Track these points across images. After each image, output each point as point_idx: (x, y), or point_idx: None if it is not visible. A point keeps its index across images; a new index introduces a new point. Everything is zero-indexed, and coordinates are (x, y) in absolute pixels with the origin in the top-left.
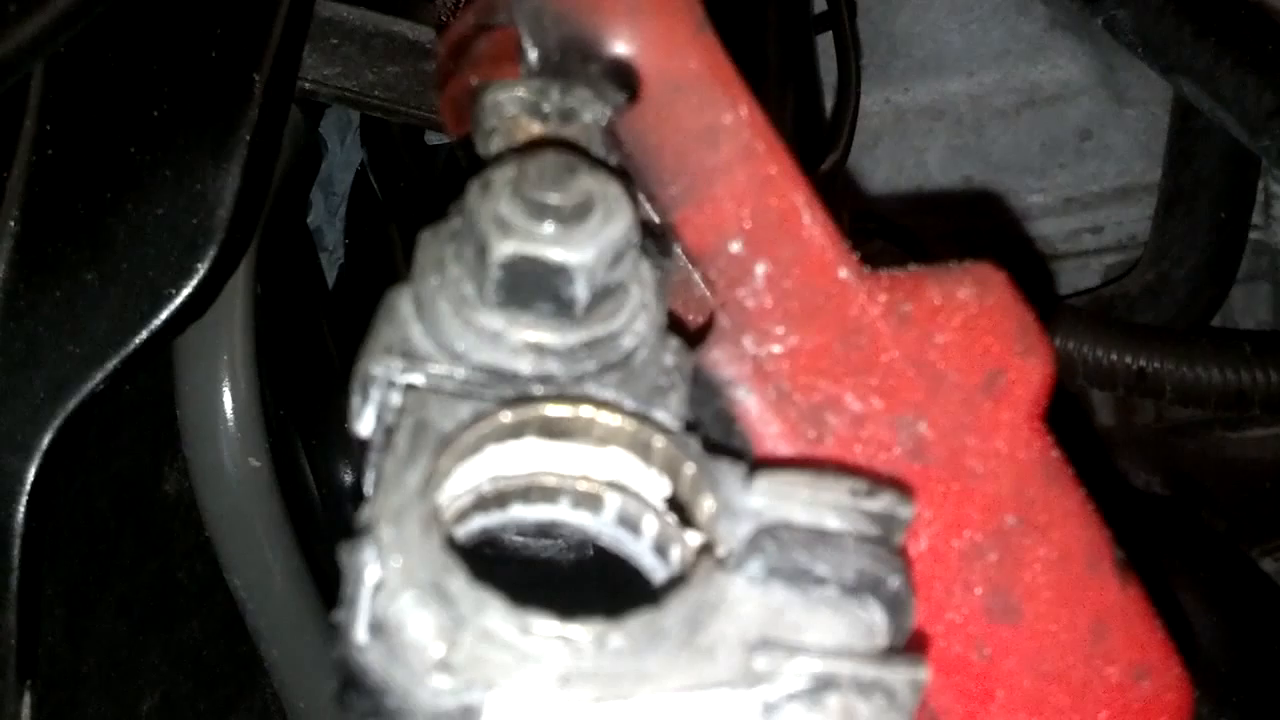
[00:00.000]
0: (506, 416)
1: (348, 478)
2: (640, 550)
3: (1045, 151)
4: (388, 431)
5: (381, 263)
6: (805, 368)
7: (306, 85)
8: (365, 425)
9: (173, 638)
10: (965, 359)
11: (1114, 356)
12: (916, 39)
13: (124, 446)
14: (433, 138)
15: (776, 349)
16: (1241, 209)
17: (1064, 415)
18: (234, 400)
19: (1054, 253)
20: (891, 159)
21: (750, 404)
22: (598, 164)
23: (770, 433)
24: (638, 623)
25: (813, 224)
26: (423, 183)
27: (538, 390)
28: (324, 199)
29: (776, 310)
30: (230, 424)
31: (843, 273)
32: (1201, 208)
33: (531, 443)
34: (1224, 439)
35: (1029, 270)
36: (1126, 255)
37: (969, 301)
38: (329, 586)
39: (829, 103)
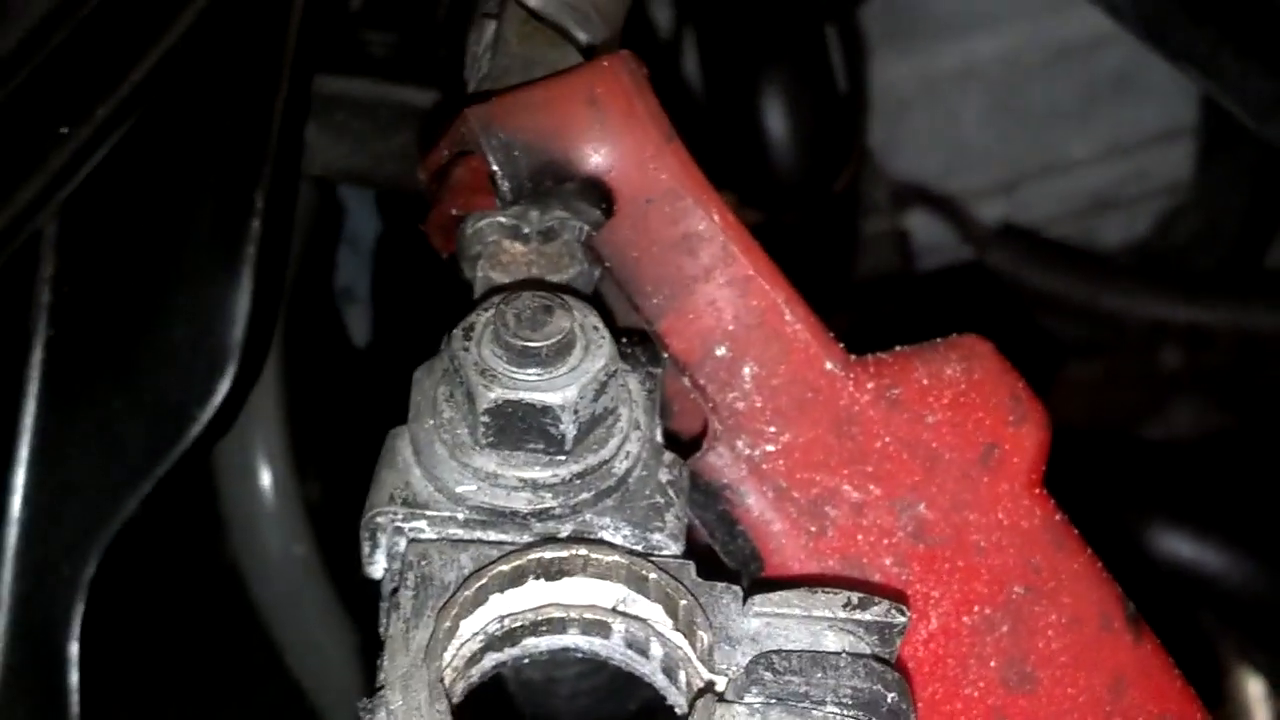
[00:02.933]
0: (505, 567)
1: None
2: (650, 671)
3: (1083, 101)
4: (394, 589)
5: (414, 317)
6: (801, 463)
7: (316, 171)
8: (377, 568)
9: (245, 710)
10: (958, 436)
11: (1167, 314)
12: (939, 2)
13: (169, 546)
14: None
15: (771, 448)
16: None
17: None
18: (273, 490)
19: (1102, 203)
20: (926, 125)
21: (751, 504)
22: (574, 293)
23: (773, 531)
24: None
25: (795, 320)
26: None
27: (536, 525)
28: (352, 254)
29: (767, 409)
30: (271, 513)
31: (829, 364)
32: (1243, 147)
33: (534, 584)
34: None
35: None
36: (1174, 200)
37: (957, 378)
38: None
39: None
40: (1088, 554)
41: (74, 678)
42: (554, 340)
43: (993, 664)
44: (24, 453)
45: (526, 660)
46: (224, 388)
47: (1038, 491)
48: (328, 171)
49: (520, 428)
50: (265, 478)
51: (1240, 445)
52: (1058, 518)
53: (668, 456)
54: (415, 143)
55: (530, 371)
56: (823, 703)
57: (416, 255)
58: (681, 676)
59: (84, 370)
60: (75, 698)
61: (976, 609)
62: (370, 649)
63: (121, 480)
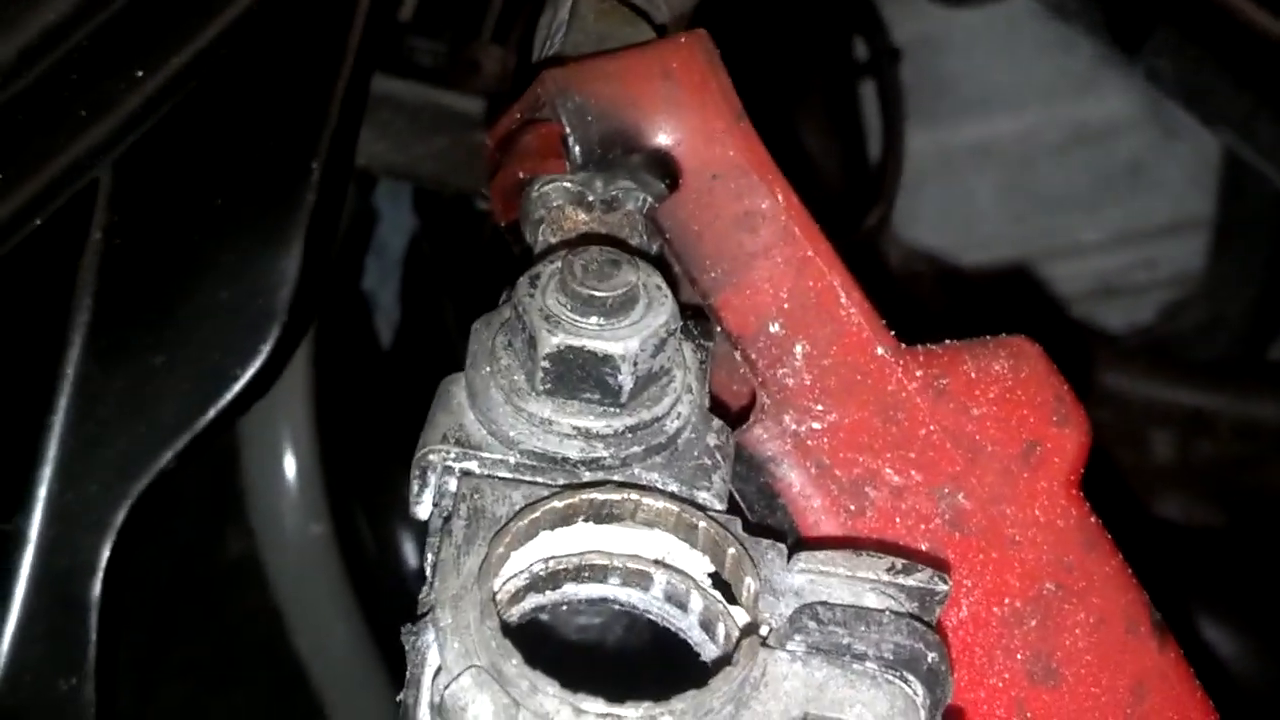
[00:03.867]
0: (557, 503)
1: (406, 542)
2: (688, 625)
3: (1096, 187)
4: (445, 519)
5: (436, 326)
6: (845, 443)
7: (360, 162)
8: (423, 509)
9: (236, 699)
10: (1002, 430)
11: (1169, 396)
12: (962, 79)
13: (188, 513)
14: (482, 203)
15: (817, 425)
16: None
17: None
18: (296, 468)
19: (1108, 289)
20: (940, 198)
21: (792, 479)
22: (639, 253)
23: (812, 507)
24: (685, 702)
25: (849, 303)
26: (473, 248)
27: (586, 474)
28: (378, 263)
29: (816, 388)
30: (292, 491)
31: (880, 350)
32: (1256, 241)
33: (582, 527)
34: None
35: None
36: (1181, 291)
37: (1004, 374)
38: (391, 647)
39: (872, 148)
40: (1119, 559)
41: (94, 622)
42: (619, 292)
43: (1019, 657)
44: (64, 400)
45: (565, 607)
46: (266, 350)
47: (1075, 493)
48: (371, 161)
49: (579, 376)
50: (290, 455)
51: (1227, 540)
52: (1092, 520)
53: (716, 423)
54: (454, 146)
55: (593, 320)
56: (864, 657)
57: (440, 267)
58: (720, 630)
59: (129, 322)
60: (93, 643)
61: (1007, 601)
62: (378, 636)
63: (158, 432)
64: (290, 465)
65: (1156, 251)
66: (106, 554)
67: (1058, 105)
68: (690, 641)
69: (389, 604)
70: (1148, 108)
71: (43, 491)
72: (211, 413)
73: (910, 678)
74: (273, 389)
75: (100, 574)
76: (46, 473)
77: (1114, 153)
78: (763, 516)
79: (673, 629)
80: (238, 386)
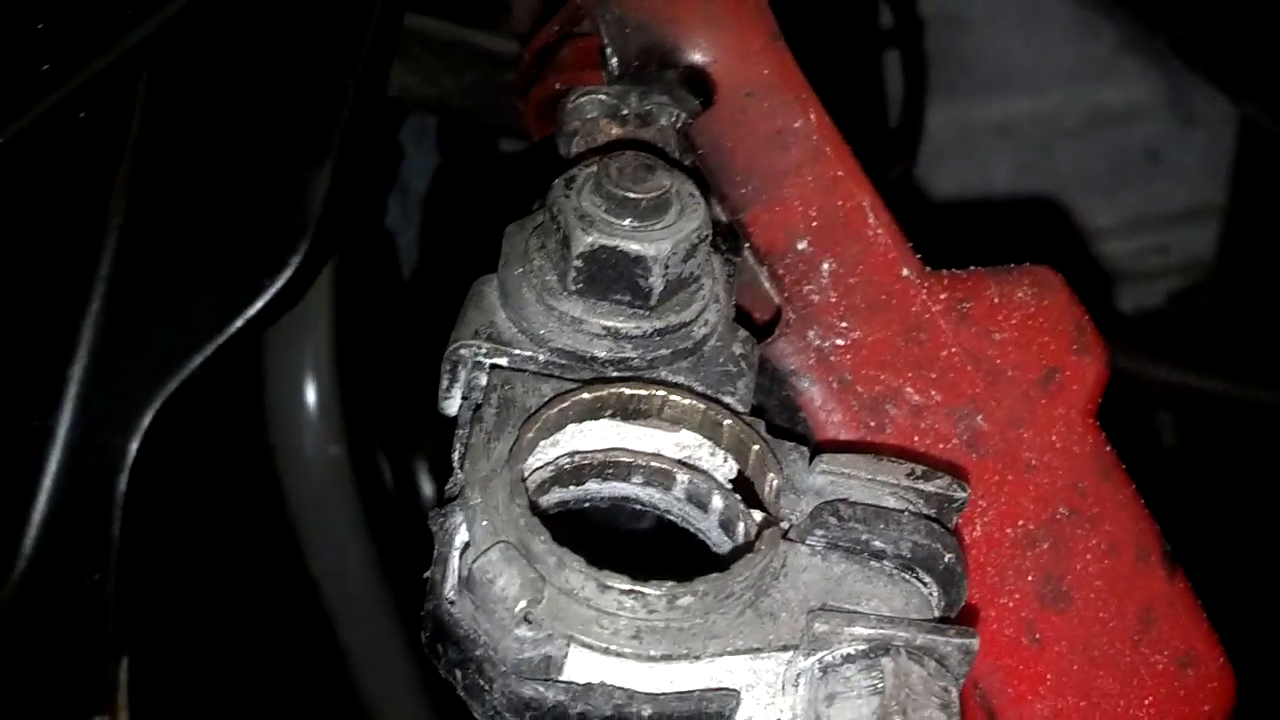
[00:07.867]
0: (586, 395)
1: (422, 470)
2: (707, 526)
3: (1112, 171)
4: (475, 409)
5: (455, 264)
6: (868, 360)
7: (391, 93)
8: (452, 404)
9: (248, 616)
10: (1023, 356)
11: (1176, 379)
12: (984, 57)
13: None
14: (507, 145)
15: (840, 341)
16: None
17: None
18: (316, 391)
19: (1119, 273)
20: (957, 176)
21: (814, 393)
22: (673, 163)
23: (833, 421)
24: (707, 584)
25: (877, 224)
26: (497, 186)
27: (613, 374)
28: (400, 202)
29: (841, 305)
30: (312, 413)
31: (905, 271)
32: (1268, 230)
33: (608, 422)
34: None
35: (1093, 290)
36: (1192, 278)
37: (1027, 301)
38: (402, 574)
39: (893, 116)
40: (1132, 488)
41: (118, 520)
42: (653, 195)
43: (1030, 578)
44: (96, 302)
45: (586, 504)
46: (295, 262)
47: (1091, 421)
48: (401, 93)
49: (610, 276)
50: (311, 378)
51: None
52: (1107, 449)
53: (742, 333)
54: (482, 83)
55: (627, 222)
56: (882, 554)
57: (462, 205)
58: (740, 530)
59: (162, 229)
60: (117, 540)
61: (1020, 523)
62: (389, 563)
63: (188, 337)
64: (311, 387)
65: (1169, 237)
66: (133, 454)
67: (1078, 88)
68: (709, 542)
69: (404, 535)
70: (1167, 94)
71: (73, 391)
72: (240, 321)
73: (926, 577)
74: (297, 311)
75: (126, 473)
76: (77, 372)
77: (1131, 138)
78: (783, 429)
79: (691, 529)
80: (266, 297)
